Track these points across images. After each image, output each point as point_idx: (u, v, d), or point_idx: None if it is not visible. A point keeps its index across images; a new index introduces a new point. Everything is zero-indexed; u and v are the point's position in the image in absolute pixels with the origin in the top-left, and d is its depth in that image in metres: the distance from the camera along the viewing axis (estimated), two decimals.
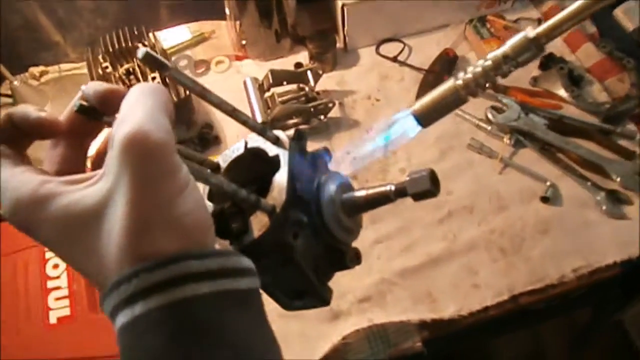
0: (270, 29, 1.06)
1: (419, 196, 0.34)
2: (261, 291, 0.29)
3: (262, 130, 0.34)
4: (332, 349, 0.80)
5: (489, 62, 0.31)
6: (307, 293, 0.36)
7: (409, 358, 0.81)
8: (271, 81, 0.97)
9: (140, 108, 0.27)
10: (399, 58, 1.09)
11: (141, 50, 0.28)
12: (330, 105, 0.98)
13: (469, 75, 0.32)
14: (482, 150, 0.96)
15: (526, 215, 0.90)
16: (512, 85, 1.02)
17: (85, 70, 0.97)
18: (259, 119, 0.96)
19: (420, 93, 1.02)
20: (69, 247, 0.27)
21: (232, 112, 0.32)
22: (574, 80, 1.01)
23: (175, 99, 0.90)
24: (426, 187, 0.33)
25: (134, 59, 0.97)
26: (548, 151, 0.95)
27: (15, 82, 1.04)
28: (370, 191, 0.35)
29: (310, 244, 0.34)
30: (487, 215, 0.90)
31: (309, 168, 0.35)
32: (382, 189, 0.35)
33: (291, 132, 0.35)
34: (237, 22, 1.06)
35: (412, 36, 1.12)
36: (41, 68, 1.11)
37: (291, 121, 0.99)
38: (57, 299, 0.83)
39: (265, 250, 0.32)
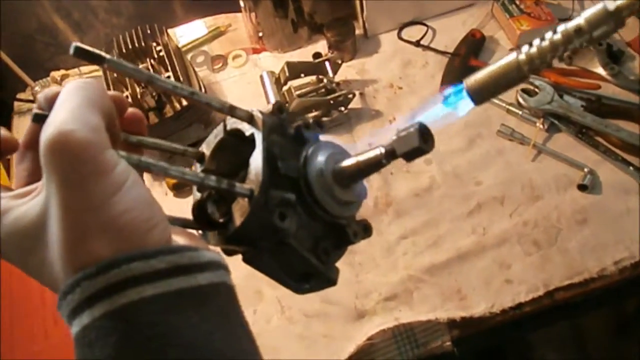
0: (286, 18, 1.03)
1: (409, 155, 0.30)
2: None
3: (230, 109, 0.32)
4: (357, 349, 0.78)
5: (558, 36, 0.28)
6: (312, 275, 0.34)
7: (439, 358, 0.78)
8: (287, 74, 0.94)
9: (64, 108, 0.26)
10: (422, 42, 1.04)
11: (72, 46, 0.26)
12: (351, 96, 0.95)
13: (534, 49, 0.29)
14: (513, 136, 0.90)
15: (562, 204, 0.84)
16: None
17: None
18: None
19: (446, 78, 0.97)
20: (24, 260, 0.27)
21: (191, 96, 0.31)
22: (613, 57, 0.93)
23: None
24: (415, 145, 0.30)
25: (149, 59, 0.96)
26: (585, 135, 0.88)
27: (37, 87, 1.04)
28: (361, 158, 0.32)
29: (305, 224, 0.32)
30: (520, 206, 0.85)
31: (293, 142, 0.33)
32: (372, 153, 0.32)
33: (269, 107, 0.33)
34: (253, 14, 1.03)
35: (436, 18, 1.07)
36: (62, 72, 1.11)
37: (310, 115, 0.96)
38: None
39: (253, 236, 0.30)
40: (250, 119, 0.32)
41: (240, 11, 1.07)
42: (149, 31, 0.96)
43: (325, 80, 0.96)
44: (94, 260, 0.24)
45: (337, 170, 0.33)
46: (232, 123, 0.34)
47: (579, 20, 0.27)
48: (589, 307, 0.86)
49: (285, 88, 0.95)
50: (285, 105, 0.34)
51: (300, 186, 0.32)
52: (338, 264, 0.36)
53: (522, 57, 0.29)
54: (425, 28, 1.05)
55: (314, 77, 0.98)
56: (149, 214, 0.26)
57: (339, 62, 0.97)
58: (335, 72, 0.97)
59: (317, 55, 1.00)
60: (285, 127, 0.33)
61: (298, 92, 0.94)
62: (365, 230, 0.35)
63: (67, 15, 1.07)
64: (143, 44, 0.95)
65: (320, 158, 0.33)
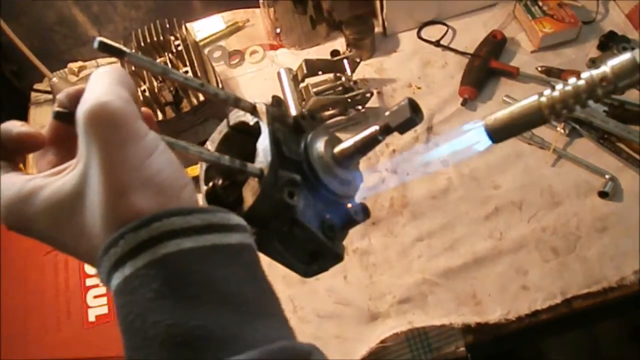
0: (305, 15, 1.02)
1: (402, 127, 0.33)
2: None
3: (235, 101, 0.34)
4: (369, 352, 0.77)
5: (582, 82, 0.28)
6: (319, 253, 0.36)
7: None
8: (305, 71, 0.93)
9: (97, 86, 0.28)
10: (442, 42, 1.02)
11: (96, 41, 0.28)
12: (368, 95, 0.94)
13: (557, 94, 0.29)
14: (533, 140, 0.89)
15: (582, 211, 0.83)
16: (566, 68, 0.94)
17: None
18: (293, 112, 0.93)
19: (465, 79, 0.96)
20: (60, 234, 0.28)
21: (201, 87, 0.33)
22: None
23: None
24: (407, 116, 0.33)
25: (167, 53, 0.95)
26: (607, 141, 0.87)
27: (54, 79, 1.04)
28: (357, 137, 0.35)
29: (310, 204, 0.34)
30: (538, 211, 0.84)
31: (293, 131, 0.35)
32: (368, 131, 0.35)
33: (268, 100, 0.36)
34: (271, 9, 1.02)
35: (456, 18, 1.05)
36: (79, 64, 1.12)
37: (327, 113, 0.95)
38: (96, 297, 0.84)
39: (265, 215, 0.32)
40: (253, 109, 0.35)
41: (259, 7, 1.06)
42: (167, 25, 0.96)
43: (343, 79, 0.95)
44: (135, 214, 0.26)
45: (336, 152, 0.36)
46: (236, 117, 0.36)
47: (605, 68, 0.27)
48: (606, 316, 0.85)
49: (302, 85, 0.94)
50: (282, 100, 0.37)
51: (303, 169, 0.34)
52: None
53: (544, 100, 0.29)
54: (445, 28, 1.04)
55: (331, 75, 0.97)
56: (180, 174, 0.29)
57: (357, 60, 0.96)
58: (353, 71, 0.96)
59: (335, 53, 0.99)
60: (285, 117, 0.36)
61: (315, 90, 0.93)
62: (364, 211, 0.37)
63: (86, 8, 1.07)
64: (161, 37, 0.95)
65: (319, 142, 0.35)
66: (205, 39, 1.10)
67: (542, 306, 0.77)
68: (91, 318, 0.83)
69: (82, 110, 0.27)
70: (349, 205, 0.37)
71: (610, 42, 0.93)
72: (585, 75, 0.28)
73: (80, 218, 0.27)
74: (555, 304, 0.77)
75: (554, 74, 0.94)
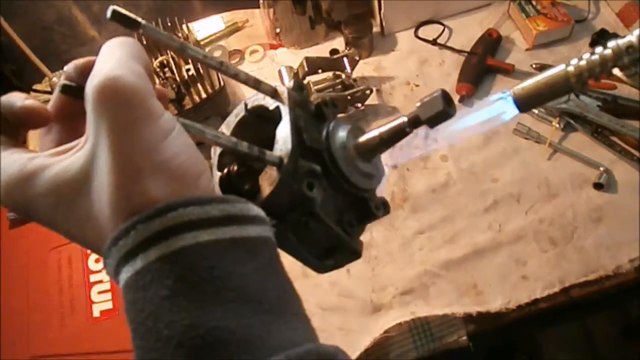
0: (304, 15, 1.04)
1: (434, 120, 0.31)
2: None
3: (256, 82, 0.32)
4: (373, 343, 0.78)
5: (608, 51, 0.29)
6: (337, 249, 0.34)
7: (454, 352, 0.78)
8: (306, 69, 0.94)
9: (109, 59, 0.26)
10: (439, 41, 1.05)
11: (109, 9, 0.26)
12: (368, 92, 0.95)
13: (583, 62, 0.29)
14: (530, 135, 0.91)
15: (578, 203, 0.85)
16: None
17: None
18: None
19: (462, 77, 0.98)
20: (64, 217, 0.26)
21: (220, 66, 0.31)
22: None
23: (210, 90, 0.89)
24: (440, 108, 0.30)
25: (168, 51, 0.96)
26: (601, 134, 0.89)
27: (54, 78, 1.05)
28: (383, 128, 0.33)
29: (329, 196, 0.32)
30: (536, 203, 0.86)
31: (314, 118, 0.33)
32: (395, 122, 0.33)
33: (290, 84, 0.34)
34: (271, 10, 1.04)
35: (452, 17, 1.07)
36: None
37: None
38: (100, 292, 0.84)
39: (281, 206, 0.30)
40: (274, 93, 0.33)
41: (258, 7, 1.08)
42: (169, 24, 0.97)
43: (342, 76, 0.97)
44: (148, 202, 0.24)
45: (360, 142, 0.33)
46: (254, 101, 0.34)
47: (631, 37, 0.28)
48: (603, 305, 0.86)
49: (304, 83, 0.96)
50: (304, 85, 0.35)
51: (324, 159, 0.32)
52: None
53: (571, 69, 0.30)
54: (442, 27, 1.06)
55: (330, 74, 0.99)
56: (198, 160, 0.26)
57: (357, 58, 0.98)
58: (352, 69, 0.97)
59: (334, 51, 1.01)
60: (307, 103, 0.34)
61: (316, 88, 0.95)
62: (384, 206, 0.36)
63: (86, 8, 1.08)
64: None
65: (342, 132, 0.33)
66: (205, 39, 1.11)
67: (541, 295, 0.78)
68: (96, 313, 0.83)
69: (91, 84, 0.24)
70: (370, 198, 0.35)
71: (602, 40, 0.96)
72: (611, 44, 0.28)
73: (86, 202, 0.25)
74: (554, 293, 0.78)
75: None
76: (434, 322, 0.79)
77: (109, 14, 0.26)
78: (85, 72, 0.28)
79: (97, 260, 0.87)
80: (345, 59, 0.97)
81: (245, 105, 0.35)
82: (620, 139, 0.89)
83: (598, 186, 0.85)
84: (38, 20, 1.08)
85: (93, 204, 0.25)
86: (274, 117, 0.32)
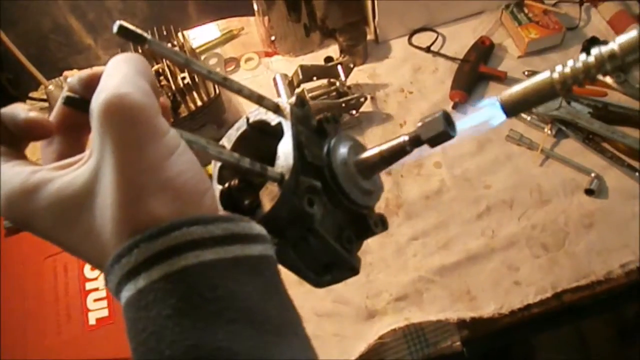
0: (299, 23, 1.05)
1: (434, 140, 0.32)
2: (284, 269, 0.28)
3: (259, 98, 0.33)
4: (368, 349, 0.78)
5: (591, 59, 0.29)
6: (335, 265, 0.34)
7: (448, 358, 0.79)
8: (301, 77, 0.95)
9: (115, 75, 0.26)
10: (432, 48, 1.06)
11: (115, 24, 0.26)
12: (362, 99, 0.96)
13: (568, 70, 0.30)
14: (522, 141, 0.92)
15: (569, 209, 0.86)
16: None
17: None
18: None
19: (455, 84, 0.99)
20: (65, 232, 0.26)
21: (224, 82, 0.31)
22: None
23: (205, 98, 0.89)
24: (441, 129, 0.31)
25: (163, 60, 0.97)
26: (592, 141, 0.90)
27: (50, 87, 1.05)
28: (384, 146, 0.33)
29: (328, 212, 0.33)
30: (528, 209, 0.87)
31: (315, 134, 0.34)
32: (396, 141, 0.33)
33: (292, 99, 0.34)
34: (266, 18, 1.05)
35: (446, 25, 1.08)
36: (75, 71, 1.12)
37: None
38: (96, 300, 0.85)
39: (281, 222, 0.30)
40: (276, 108, 0.33)
41: (253, 15, 1.09)
42: (164, 33, 0.98)
43: (337, 84, 0.98)
44: (152, 221, 0.24)
45: (360, 159, 0.34)
46: (256, 115, 0.34)
47: (613, 45, 0.29)
48: (596, 310, 0.87)
49: (298, 90, 0.97)
50: (306, 100, 0.35)
51: (325, 175, 0.32)
52: None
53: (556, 76, 0.31)
54: (435, 34, 1.07)
55: (325, 81, 1.00)
56: (202, 178, 0.26)
57: (351, 66, 0.99)
58: (347, 76, 0.98)
59: (328, 59, 1.01)
60: (309, 118, 0.34)
61: (310, 95, 0.95)
62: (382, 223, 0.36)
63: (81, 16, 1.08)
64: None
65: (343, 148, 0.34)
66: (201, 46, 1.12)
67: (534, 300, 0.79)
68: (92, 321, 0.83)
69: (97, 101, 0.24)
70: (369, 215, 0.35)
71: (593, 47, 0.97)
72: (594, 52, 0.29)
73: (89, 218, 0.25)
74: (547, 298, 0.79)
75: None
76: (428, 327, 0.79)
77: (115, 29, 0.26)
78: (89, 85, 0.29)
79: (92, 268, 0.87)
80: (339, 67, 0.98)
81: (247, 119, 0.35)
82: (611, 146, 0.90)
83: (589, 192, 0.86)
84: (34, 28, 1.08)
85: (95, 220, 0.25)
86: (276, 133, 0.32)
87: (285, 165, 0.30)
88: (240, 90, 0.32)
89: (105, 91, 0.24)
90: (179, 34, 0.99)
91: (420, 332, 0.79)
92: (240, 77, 1.08)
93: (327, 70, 0.98)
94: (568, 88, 0.31)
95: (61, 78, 1.13)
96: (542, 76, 0.31)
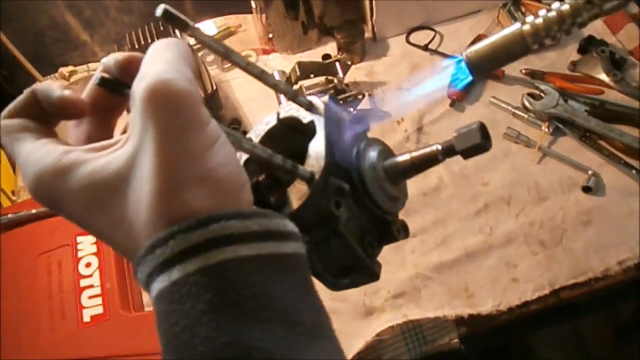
0: (296, 20, 1.04)
1: (469, 152, 0.31)
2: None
3: (294, 94, 0.33)
4: (365, 346, 0.78)
5: (566, 7, 0.27)
6: (355, 269, 0.34)
7: (446, 355, 0.78)
8: (298, 74, 0.95)
9: (160, 60, 0.25)
10: (430, 46, 1.06)
11: (160, 8, 0.26)
12: (360, 97, 0.96)
13: (540, 20, 0.28)
14: (519, 139, 0.92)
15: (567, 206, 0.86)
16: (549, 70, 0.98)
17: None
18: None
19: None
20: (96, 217, 0.25)
21: (261, 75, 0.31)
22: (616, 64, 0.96)
23: (202, 93, 0.89)
24: (477, 141, 0.30)
25: None
26: (589, 139, 0.90)
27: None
28: (415, 154, 0.33)
29: (353, 215, 0.32)
30: (526, 206, 0.87)
31: (346, 135, 0.33)
32: (429, 149, 0.33)
33: (325, 98, 0.34)
34: (264, 15, 1.05)
35: (443, 23, 1.08)
36: (70, 68, 1.12)
37: None
38: (90, 297, 0.84)
39: (306, 222, 0.30)
40: (310, 106, 0.33)
41: (251, 12, 1.08)
42: (161, 28, 0.97)
43: (335, 81, 0.97)
44: (189, 213, 0.23)
45: (390, 165, 0.33)
46: (287, 111, 0.34)
47: None
48: (593, 307, 0.87)
49: (295, 87, 0.96)
50: (338, 100, 0.35)
51: (352, 178, 0.32)
52: None
53: (527, 27, 0.28)
54: (433, 33, 1.07)
55: (323, 78, 0.99)
56: (240, 171, 0.26)
57: (349, 63, 0.98)
58: (345, 74, 0.98)
59: (326, 56, 1.01)
60: (340, 120, 0.34)
61: (308, 92, 0.95)
62: (405, 229, 0.36)
63: (78, 13, 1.08)
64: (156, 40, 0.96)
65: (373, 152, 0.33)
66: (198, 43, 1.11)
67: (532, 297, 0.79)
68: (86, 318, 0.82)
69: (141, 85, 0.24)
70: (392, 221, 0.35)
71: (589, 46, 0.98)
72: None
73: (122, 203, 0.24)
74: (544, 295, 0.79)
75: (537, 76, 0.97)
76: (426, 324, 0.79)
77: (159, 12, 0.26)
78: (126, 68, 0.28)
79: (87, 265, 0.86)
80: (337, 64, 0.98)
81: (278, 114, 0.35)
82: (608, 143, 0.90)
83: (587, 189, 0.86)
84: (30, 25, 1.08)
85: (129, 207, 0.24)
86: (306, 130, 0.32)
87: (316, 164, 0.30)
88: (276, 85, 0.32)
89: (149, 76, 0.24)
90: (176, 31, 0.99)
91: (418, 329, 0.79)
92: (238, 73, 1.07)
93: (324, 67, 0.98)
94: (540, 41, 0.28)
95: (56, 74, 1.12)
96: (512, 29, 0.29)
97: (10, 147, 0.28)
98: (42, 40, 1.10)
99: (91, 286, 0.85)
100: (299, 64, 0.95)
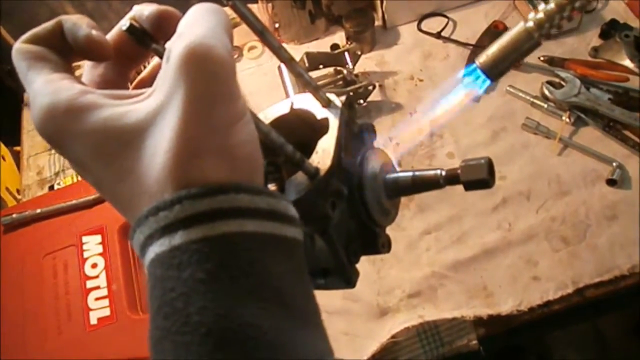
0: (303, 9, 1.01)
1: (471, 185, 0.32)
2: None
3: (316, 88, 0.32)
4: (380, 348, 0.75)
5: None
6: (333, 272, 0.34)
7: (464, 357, 0.76)
8: (307, 65, 0.92)
9: (202, 24, 0.24)
10: (443, 34, 1.02)
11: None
12: (370, 88, 0.93)
13: (541, 15, 0.29)
14: (539, 130, 0.88)
15: (590, 200, 0.82)
16: (569, 57, 0.93)
17: None
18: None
19: None
20: (101, 164, 0.25)
21: (289, 62, 0.31)
22: None
23: None
24: (482, 176, 0.32)
25: None
26: (613, 129, 0.86)
27: None
28: (418, 173, 0.34)
29: (344, 220, 0.33)
30: (546, 201, 0.83)
31: (354, 140, 0.34)
32: (432, 172, 0.33)
33: (343, 98, 0.32)
34: (269, 4, 1.01)
35: (457, 9, 1.04)
36: None
37: None
38: (97, 299, 0.82)
39: (299, 216, 0.30)
40: (327, 103, 0.33)
41: (257, 2, 1.05)
42: None
43: (344, 72, 0.94)
44: (202, 180, 0.23)
45: (390, 178, 0.34)
46: (301, 103, 0.34)
47: None
48: (616, 305, 0.84)
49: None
50: (354, 104, 0.35)
51: (352, 183, 0.32)
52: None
53: (531, 24, 0.29)
54: (445, 20, 1.03)
55: (332, 69, 0.96)
56: (259, 153, 0.25)
57: (358, 53, 0.95)
58: (354, 64, 0.94)
59: (335, 46, 0.98)
60: (352, 122, 0.34)
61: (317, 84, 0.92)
62: (389, 245, 0.36)
63: (80, 5, 1.06)
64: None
65: (376, 163, 0.34)
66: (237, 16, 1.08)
67: (554, 296, 0.76)
68: (93, 321, 0.80)
69: (181, 44, 0.23)
70: (379, 234, 0.35)
71: (613, 30, 0.93)
72: None
73: (134, 156, 0.24)
74: (567, 294, 0.76)
75: (556, 63, 0.93)
76: (443, 325, 0.76)
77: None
78: (158, 22, 0.28)
79: (93, 266, 0.84)
80: (346, 54, 0.94)
81: (292, 104, 0.35)
82: (633, 133, 0.86)
83: (611, 182, 0.82)
84: (31, 19, 1.05)
85: (141, 162, 0.23)
86: (317, 126, 0.32)
87: (322, 162, 0.30)
88: (300, 75, 0.32)
89: (191, 37, 0.23)
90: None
91: (434, 330, 0.76)
92: (243, 66, 1.04)
93: (333, 57, 0.94)
94: (546, 33, 0.30)
95: None
96: (516, 29, 0.30)
97: (24, 74, 0.26)
98: None
99: (98, 287, 0.83)
100: (307, 54, 0.92)
